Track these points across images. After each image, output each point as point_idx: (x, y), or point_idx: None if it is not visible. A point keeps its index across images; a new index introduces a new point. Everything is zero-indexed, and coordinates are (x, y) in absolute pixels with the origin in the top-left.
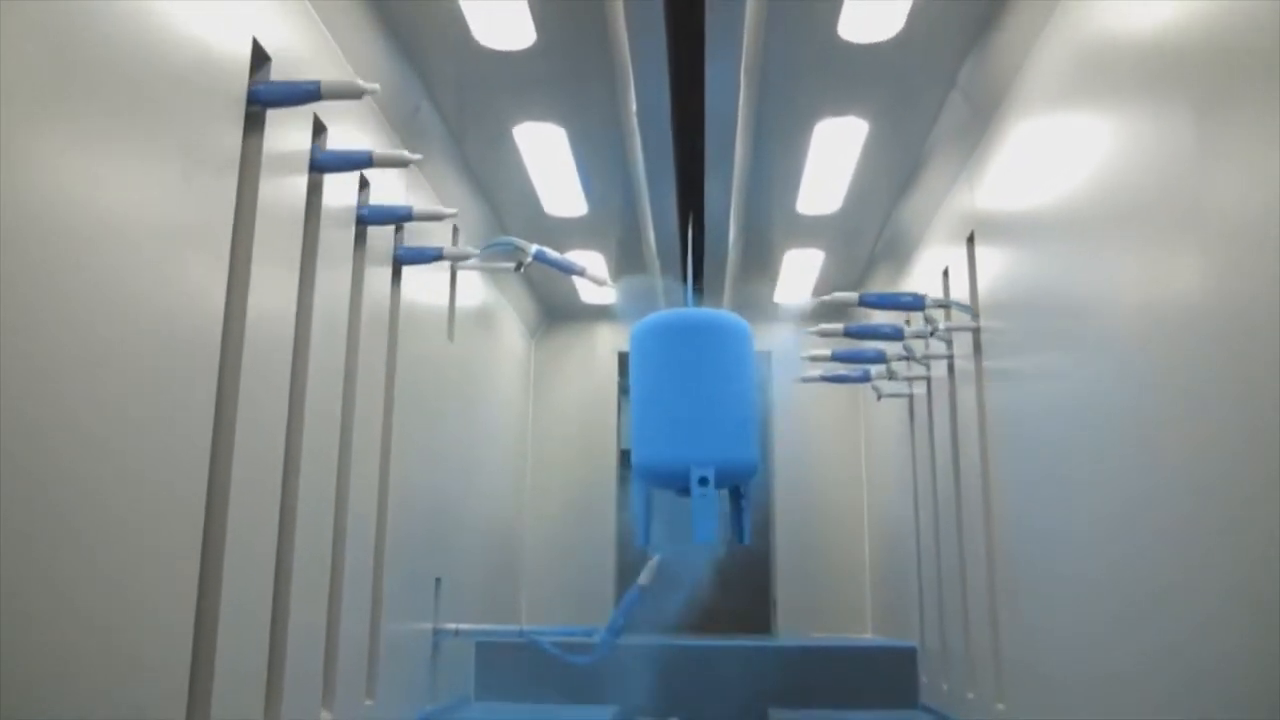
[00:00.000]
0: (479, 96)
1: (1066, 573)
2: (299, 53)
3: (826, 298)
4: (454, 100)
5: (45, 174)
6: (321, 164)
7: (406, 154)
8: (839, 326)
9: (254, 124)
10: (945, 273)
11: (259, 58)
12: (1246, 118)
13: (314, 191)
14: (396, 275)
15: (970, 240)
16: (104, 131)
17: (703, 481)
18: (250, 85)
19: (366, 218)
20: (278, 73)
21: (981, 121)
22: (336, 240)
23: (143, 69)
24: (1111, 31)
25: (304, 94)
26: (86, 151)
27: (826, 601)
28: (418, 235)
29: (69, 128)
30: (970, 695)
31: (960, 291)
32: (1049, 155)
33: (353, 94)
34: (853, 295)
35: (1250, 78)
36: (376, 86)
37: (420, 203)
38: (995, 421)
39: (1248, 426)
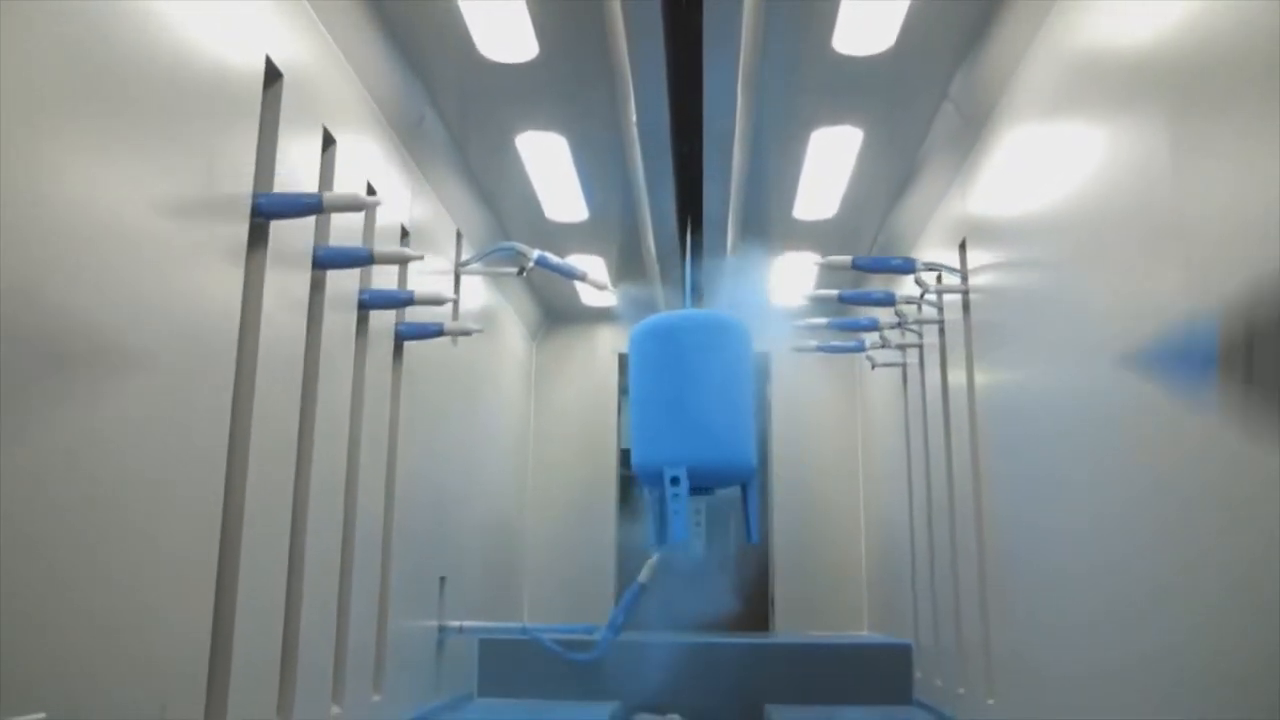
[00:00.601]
0: (482, 107)
1: (1056, 570)
2: (309, 68)
3: (822, 260)
4: (458, 110)
5: (65, 190)
6: (322, 261)
7: (407, 251)
8: (834, 293)
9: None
10: (939, 278)
11: (271, 74)
12: (1227, 126)
13: (317, 288)
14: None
15: (962, 246)
16: (122, 139)
17: (674, 481)
18: (253, 199)
19: (368, 303)
20: (289, 88)
21: (973, 130)
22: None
23: (160, 85)
24: (1099, 44)
25: (306, 206)
26: (99, 159)
27: (824, 599)
28: (423, 243)
29: (81, 142)
30: (961, 691)
31: (954, 296)
32: (1039, 163)
33: (355, 207)
34: (846, 259)
35: (1232, 87)
36: (379, 200)
37: (424, 209)
38: (986, 419)
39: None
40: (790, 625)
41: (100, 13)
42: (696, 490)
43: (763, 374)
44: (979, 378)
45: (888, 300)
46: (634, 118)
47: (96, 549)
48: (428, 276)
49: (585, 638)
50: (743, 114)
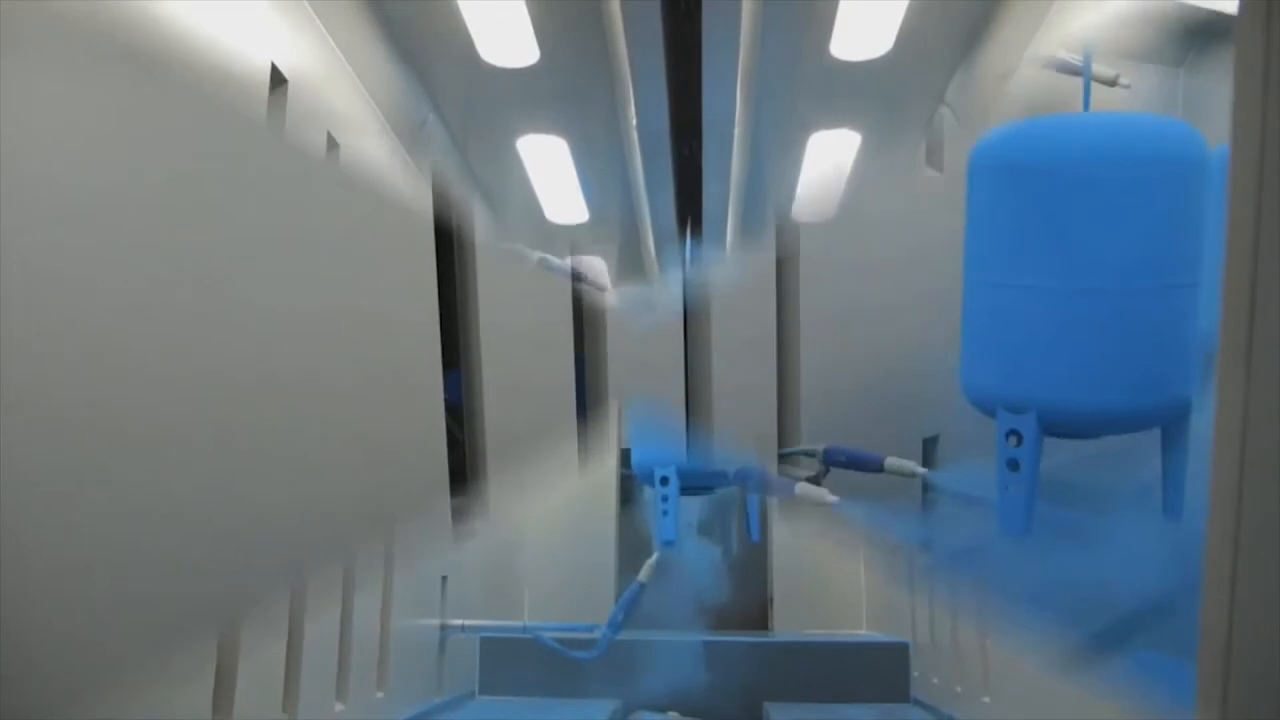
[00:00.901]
0: (484, 111)
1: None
2: (314, 73)
3: None
4: (460, 114)
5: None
6: None
7: None
8: None
9: None
10: None
11: (277, 80)
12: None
13: None
14: None
15: None
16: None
17: (664, 481)
18: None
19: None
20: (294, 93)
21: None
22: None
23: (170, 89)
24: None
25: None
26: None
27: (823, 598)
28: None
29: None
30: (959, 689)
31: None
32: None
33: None
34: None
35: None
36: None
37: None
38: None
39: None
40: (789, 624)
41: (104, 16)
42: (692, 490)
43: None
44: None
45: None
46: (634, 121)
47: (103, 548)
48: None
49: (586, 636)
50: (742, 117)
